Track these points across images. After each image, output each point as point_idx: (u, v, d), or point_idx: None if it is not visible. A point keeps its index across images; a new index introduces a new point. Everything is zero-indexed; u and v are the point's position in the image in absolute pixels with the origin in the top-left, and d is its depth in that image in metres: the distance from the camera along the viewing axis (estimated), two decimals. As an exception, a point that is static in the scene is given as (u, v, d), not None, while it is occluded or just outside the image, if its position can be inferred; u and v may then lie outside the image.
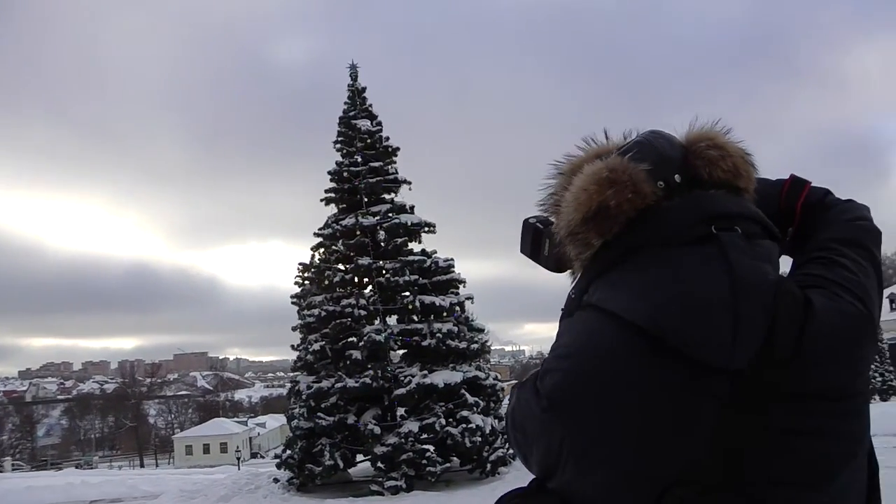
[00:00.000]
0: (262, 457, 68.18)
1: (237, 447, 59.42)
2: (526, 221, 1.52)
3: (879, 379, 38.18)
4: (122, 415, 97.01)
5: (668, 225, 1.25)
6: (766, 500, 1.15)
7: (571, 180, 1.33)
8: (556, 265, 1.47)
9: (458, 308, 17.85)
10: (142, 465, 75.62)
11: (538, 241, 1.49)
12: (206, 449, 75.84)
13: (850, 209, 1.46)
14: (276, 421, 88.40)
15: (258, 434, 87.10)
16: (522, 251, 1.53)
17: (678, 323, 1.16)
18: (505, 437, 16.81)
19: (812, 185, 1.50)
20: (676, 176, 1.31)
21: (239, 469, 33.36)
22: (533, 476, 1.32)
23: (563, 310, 1.39)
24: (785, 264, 1.38)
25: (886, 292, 47.54)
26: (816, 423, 1.18)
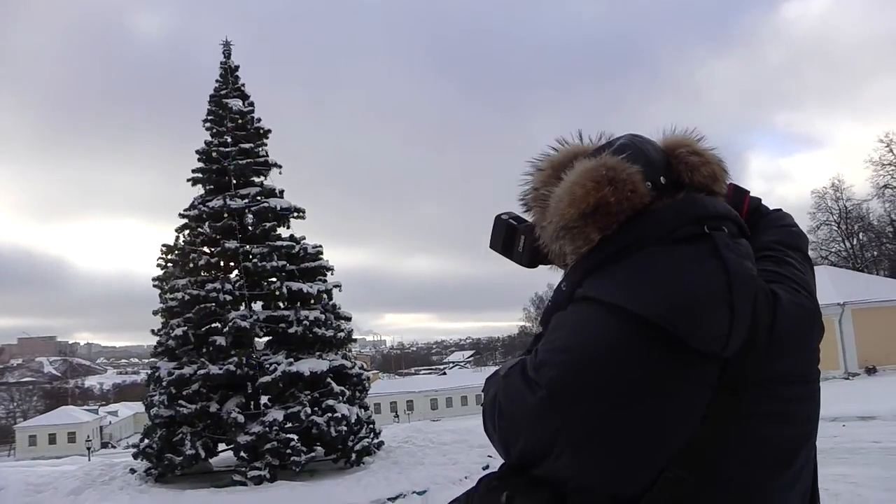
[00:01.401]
0: (114, 447, 65.63)
1: (87, 437, 56.56)
2: (498, 218, 1.56)
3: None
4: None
5: (664, 223, 1.35)
6: (739, 480, 1.26)
7: (558, 175, 1.40)
8: (529, 260, 1.52)
9: (325, 295, 17.72)
10: (-21, 457, 70.78)
11: (511, 238, 1.54)
12: (52, 439, 72.21)
13: (784, 217, 1.67)
14: (129, 409, 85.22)
15: (110, 423, 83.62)
16: (493, 247, 1.57)
17: (684, 314, 1.24)
18: (370, 426, 17.02)
19: (750, 193, 1.67)
20: (662, 178, 1.41)
21: (90, 460, 31.72)
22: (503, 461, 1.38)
23: (550, 302, 1.44)
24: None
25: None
26: (782, 407, 1.30)
